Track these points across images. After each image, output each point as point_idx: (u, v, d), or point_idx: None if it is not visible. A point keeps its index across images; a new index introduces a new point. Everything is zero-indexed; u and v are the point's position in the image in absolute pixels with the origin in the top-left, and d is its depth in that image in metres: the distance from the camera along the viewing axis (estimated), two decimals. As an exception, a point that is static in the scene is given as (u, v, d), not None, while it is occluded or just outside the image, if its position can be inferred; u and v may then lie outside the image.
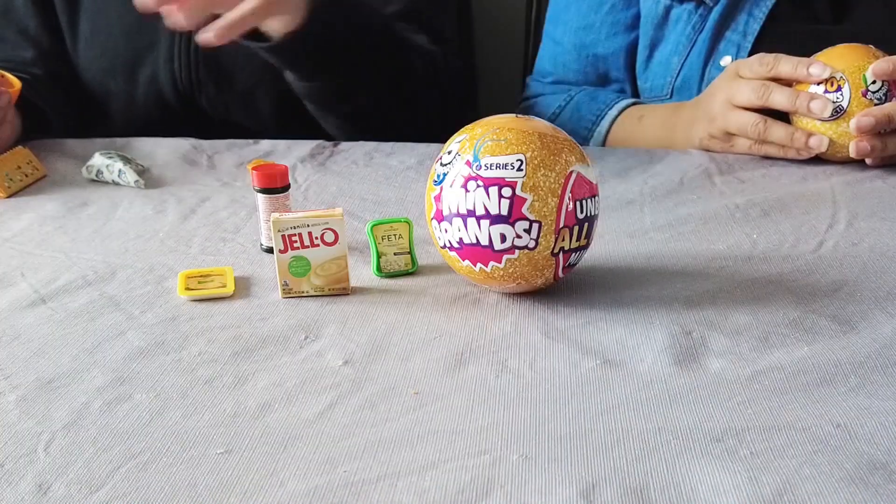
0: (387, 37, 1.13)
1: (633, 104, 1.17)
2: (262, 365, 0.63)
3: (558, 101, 1.22)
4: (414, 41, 1.19)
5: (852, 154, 0.95)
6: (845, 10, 1.09)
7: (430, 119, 1.20)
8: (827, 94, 0.94)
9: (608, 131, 1.16)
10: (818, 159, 0.99)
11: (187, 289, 0.73)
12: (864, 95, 0.93)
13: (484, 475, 0.51)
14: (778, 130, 0.97)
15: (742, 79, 0.99)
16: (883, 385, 0.59)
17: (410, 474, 0.51)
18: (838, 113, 0.94)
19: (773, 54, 0.98)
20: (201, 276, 0.76)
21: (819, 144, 0.96)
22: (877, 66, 0.93)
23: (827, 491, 0.49)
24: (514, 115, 0.69)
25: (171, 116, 1.20)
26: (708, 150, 1.04)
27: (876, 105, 0.93)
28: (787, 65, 0.96)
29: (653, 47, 1.18)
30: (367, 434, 0.55)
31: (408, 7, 1.23)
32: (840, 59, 0.95)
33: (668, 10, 1.15)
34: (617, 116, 1.16)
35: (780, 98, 0.96)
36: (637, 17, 1.20)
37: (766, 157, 1.01)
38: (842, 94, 0.94)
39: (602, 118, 1.17)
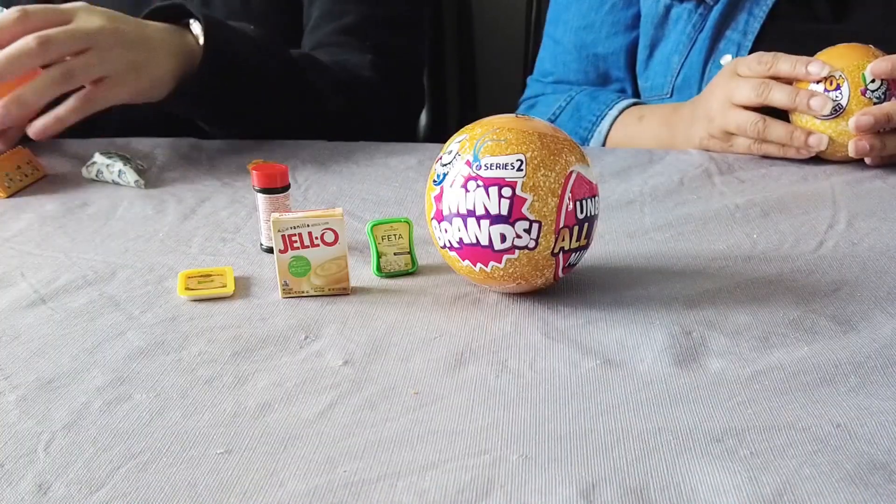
0: (290, 82, 1.12)
1: (634, 104, 1.17)
2: (262, 365, 0.63)
3: (559, 102, 1.22)
4: (344, 64, 1.19)
5: (851, 153, 0.95)
6: (845, 9, 1.09)
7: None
8: (826, 93, 0.94)
9: (608, 131, 1.16)
10: (818, 159, 0.99)
11: (187, 289, 0.73)
12: (864, 94, 0.93)
13: (484, 475, 0.51)
14: (777, 129, 0.97)
15: (741, 77, 0.99)
16: (883, 385, 0.59)
17: (410, 474, 0.51)
18: (837, 111, 0.94)
19: (772, 53, 0.98)
20: (201, 276, 0.76)
21: (818, 143, 0.96)
22: (875, 65, 0.93)
23: (827, 491, 0.49)
24: (513, 115, 0.69)
25: (170, 114, 1.20)
26: (708, 150, 1.04)
27: (875, 104, 0.94)
28: (785, 63, 0.96)
29: (653, 46, 1.18)
30: (367, 434, 0.55)
31: (358, 22, 1.23)
32: (839, 58, 0.95)
33: (668, 9, 1.15)
34: (617, 116, 1.16)
35: (779, 96, 0.96)
36: (637, 16, 1.20)
37: (766, 157, 1.01)
38: (841, 93, 0.94)
39: (602, 118, 1.17)
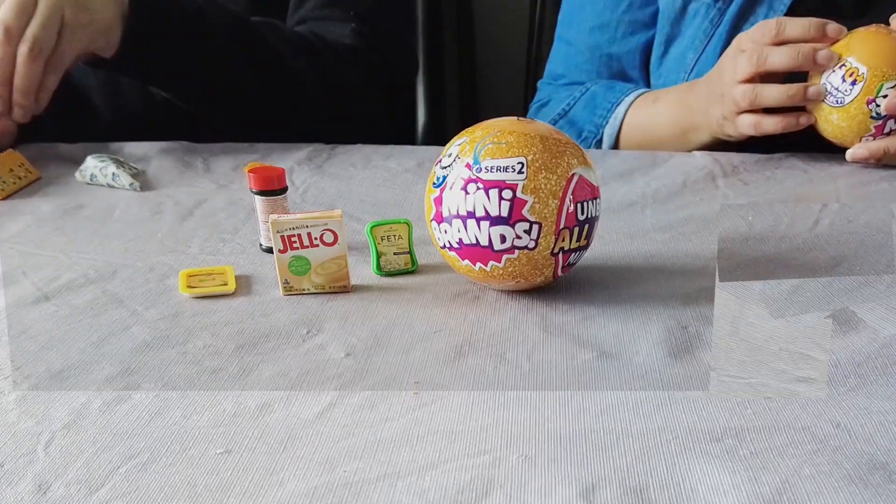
0: (240, 37, 1.12)
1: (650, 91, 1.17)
2: (265, 357, 0.64)
3: (573, 94, 1.21)
4: (324, 35, 1.19)
5: (848, 157, 0.97)
6: (868, 2, 1.08)
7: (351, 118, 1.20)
8: (843, 81, 0.94)
9: (624, 117, 1.15)
10: (823, 161, 1.00)
11: (188, 287, 0.74)
12: (868, 104, 0.93)
13: (484, 475, 0.51)
14: (770, 91, 0.96)
15: (742, 52, 0.98)
16: (883, 385, 0.59)
17: (410, 474, 0.51)
18: (838, 103, 0.94)
19: (776, 19, 0.96)
20: (202, 274, 0.76)
21: (817, 94, 0.95)
22: (891, 101, 0.92)
23: (827, 491, 0.49)
24: (514, 118, 0.69)
25: (157, 111, 1.19)
26: (727, 135, 1.02)
27: (871, 118, 0.94)
28: (795, 28, 0.94)
29: (668, 43, 1.17)
30: (367, 434, 0.55)
31: None
32: (870, 53, 0.93)
33: (685, 4, 1.14)
34: (633, 102, 1.15)
35: (778, 57, 0.94)
36: (655, 14, 1.19)
37: (771, 160, 1.01)
38: (851, 90, 0.93)
39: (618, 104, 1.15)
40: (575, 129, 1.17)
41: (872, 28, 0.95)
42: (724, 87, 0.99)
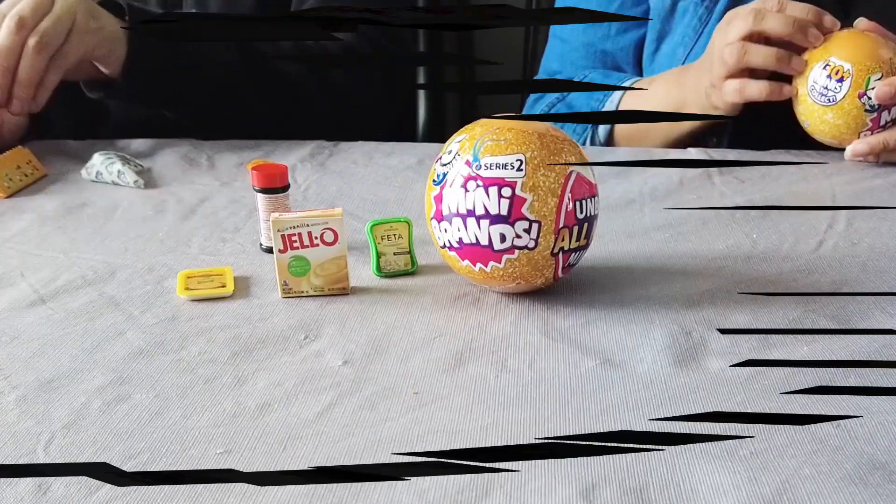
0: (242, 53, 1.15)
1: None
2: (262, 365, 0.63)
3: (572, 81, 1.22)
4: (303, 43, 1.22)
5: (847, 156, 0.97)
6: (851, 3, 1.09)
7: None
8: (829, 79, 0.95)
9: (620, 100, 1.16)
10: (817, 157, 1.00)
11: (187, 289, 0.73)
12: (860, 98, 0.94)
13: (484, 475, 0.51)
14: (760, 49, 0.96)
15: (738, 17, 0.99)
16: (883, 385, 0.59)
17: (410, 474, 0.51)
18: (830, 101, 0.95)
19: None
20: (201, 276, 0.76)
21: (799, 64, 0.96)
22: (881, 89, 0.93)
23: (827, 491, 0.49)
24: (513, 114, 0.69)
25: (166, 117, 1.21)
26: (714, 106, 1.03)
27: (866, 111, 0.94)
28: (795, 7, 0.96)
29: (660, 40, 1.18)
30: (367, 434, 0.55)
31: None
32: (854, 48, 0.95)
33: (674, 2, 1.15)
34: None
35: (774, 23, 0.96)
36: (646, 12, 1.20)
37: (765, 156, 1.01)
38: (840, 87, 0.94)
39: None
40: None
41: (846, 31, 0.97)
42: (714, 53, 1.00)
